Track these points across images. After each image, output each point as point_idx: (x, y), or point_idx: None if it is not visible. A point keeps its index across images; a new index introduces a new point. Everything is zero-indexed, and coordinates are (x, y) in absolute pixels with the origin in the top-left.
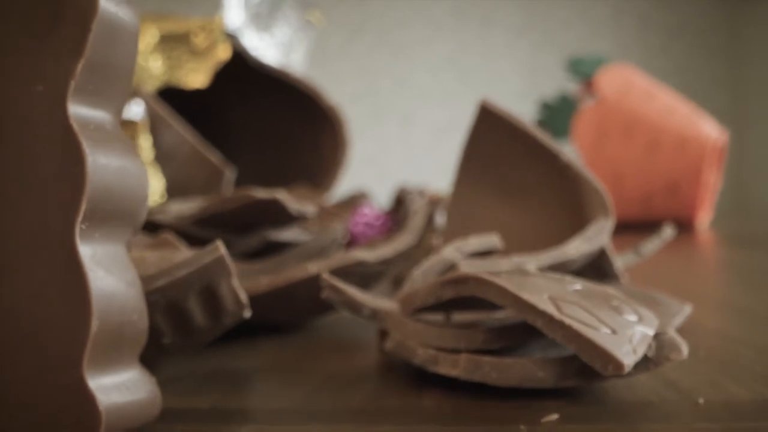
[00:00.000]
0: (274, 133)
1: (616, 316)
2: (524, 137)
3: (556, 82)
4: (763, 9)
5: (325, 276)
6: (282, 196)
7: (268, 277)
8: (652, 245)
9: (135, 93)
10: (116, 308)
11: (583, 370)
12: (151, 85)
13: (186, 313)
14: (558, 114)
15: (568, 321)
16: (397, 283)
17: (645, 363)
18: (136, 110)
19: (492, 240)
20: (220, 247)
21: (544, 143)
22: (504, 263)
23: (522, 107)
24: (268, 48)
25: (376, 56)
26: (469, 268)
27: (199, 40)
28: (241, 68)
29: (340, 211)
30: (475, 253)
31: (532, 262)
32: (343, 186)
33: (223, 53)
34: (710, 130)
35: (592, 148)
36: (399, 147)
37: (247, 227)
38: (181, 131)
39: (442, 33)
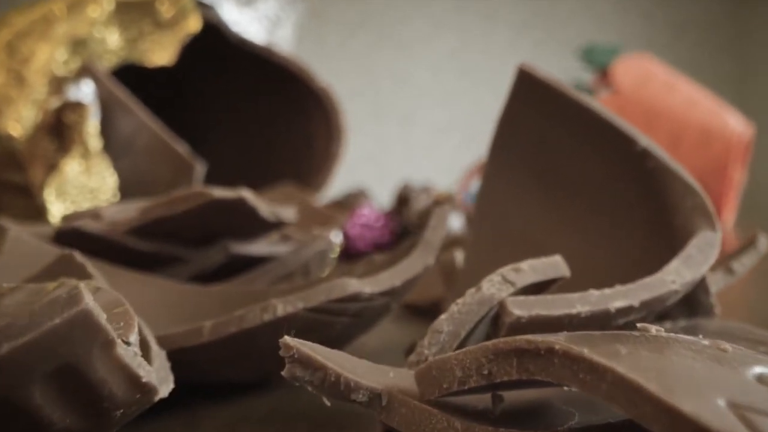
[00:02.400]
0: (256, 121)
1: None
2: (582, 115)
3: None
4: None
5: (287, 342)
6: (249, 194)
7: (213, 322)
8: (746, 260)
9: (85, 70)
10: None
11: None
12: (107, 62)
13: (32, 412)
14: None
15: None
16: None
17: None
18: (85, 90)
19: (557, 265)
20: (83, 294)
21: (614, 123)
22: (577, 301)
23: None
24: (250, 22)
25: (375, 53)
26: (521, 309)
27: (165, 9)
28: (216, 45)
29: (334, 212)
30: (531, 286)
31: (619, 299)
32: (339, 186)
33: (193, 25)
34: (736, 123)
35: None
36: (399, 146)
37: (206, 238)
38: (141, 117)
39: (444, 29)
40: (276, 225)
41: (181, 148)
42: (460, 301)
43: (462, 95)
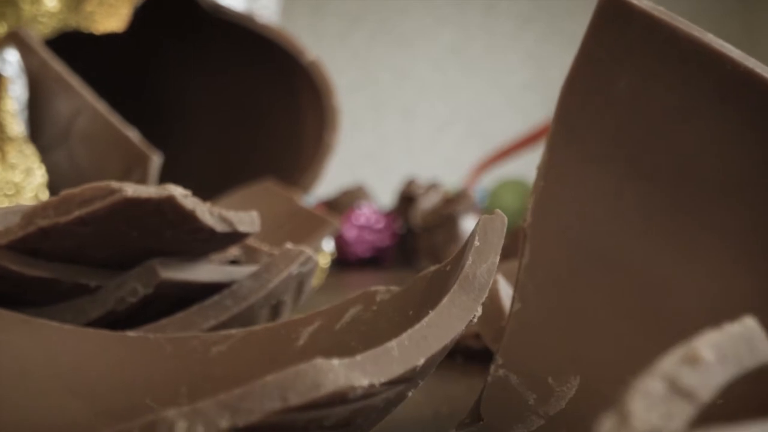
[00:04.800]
0: (234, 104)
1: None
2: (709, 63)
3: (564, 73)
4: None
5: None
6: (181, 191)
7: None
8: None
9: (12, 37)
10: None
11: None
12: (42, 27)
13: None
14: None
15: None
16: None
17: None
18: (9, 60)
19: (751, 340)
20: None
21: (761, 74)
22: None
23: (528, 100)
24: None
25: (375, 46)
26: None
27: None
28: (186, 12)
29: (325, 214)
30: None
31: None
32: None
33: None
34: None
35: None
36: (399, 141)
37: (124, 257)
38: (82, 96)
39: (445, 22)
40: (230, 237)
41: (133, 134)
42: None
43: (464, 89)
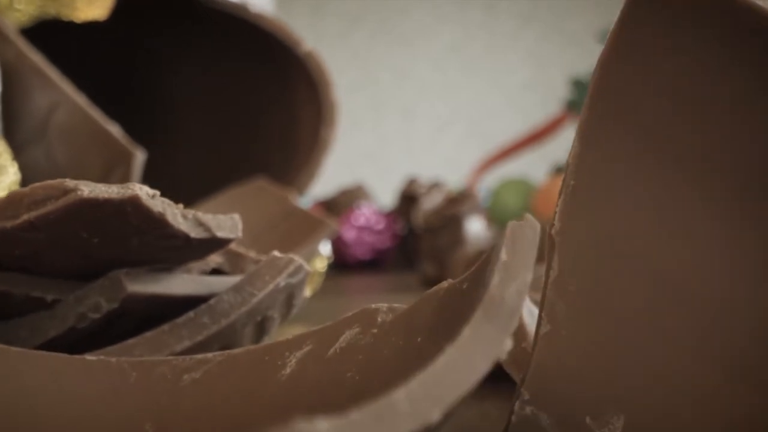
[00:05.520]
0: (225, 99)
1: None
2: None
3: (565, 72)
4: None
5: None
6: (147, 191)
7: None
8: None
9: None
10: None
11: None
12: (20, 15)
13: None
14: None
15: None
16: None
17: None
18: None
19: None
20: None
21: None
22: None
23: (529, 100)
24: None
25: (375, 46)
26: None
27: None
28: (174, 1)
29: (322, 215)
30: None
31: None
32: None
33: None
34: None
35: None
36: (399, 141)
37: (85, 267)
38: (62, 89)
39: (445, 21)
40: (208, 244)
41: (114, 129)
42: None
43: (464, 89)
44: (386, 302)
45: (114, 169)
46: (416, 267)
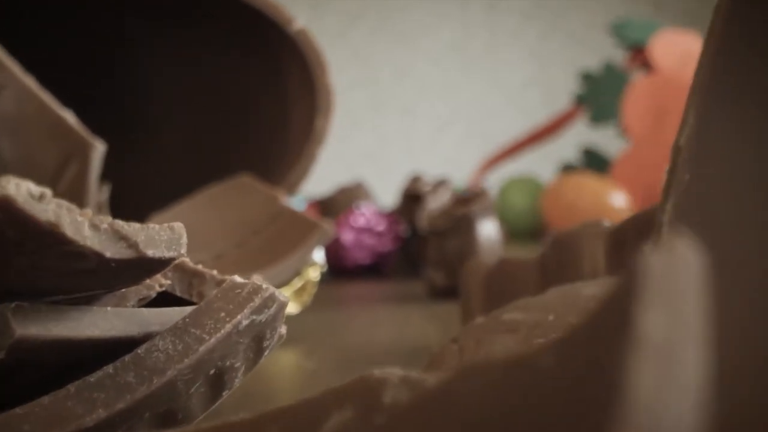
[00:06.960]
0: (210, 86)
1: None
2: None
3: (566, 71)
4: None
5: None
6: (24, 191)
7: None
8: None
9: None
10: None
11: None
12: None
13: None
14: (603, 88)
15: None
16: None
17: None
18: None
19: None
20: None
21: None
22: None
23: (529, 97)
24: None
25: (375, 44)
26: None
27: None
28: None
29: (316, 217)
30: None
31: None
32: (332, 185)
33: None
34: None
35: (648, 131)
36: (399, 140)
37: None
38: (8, 69)
39: (445, 19)
40: (138, 266)
41: (69, 116)
42: None
43: (465, 87)
44: (391, 313)
45: (69, 163)
46: (421, 273)
